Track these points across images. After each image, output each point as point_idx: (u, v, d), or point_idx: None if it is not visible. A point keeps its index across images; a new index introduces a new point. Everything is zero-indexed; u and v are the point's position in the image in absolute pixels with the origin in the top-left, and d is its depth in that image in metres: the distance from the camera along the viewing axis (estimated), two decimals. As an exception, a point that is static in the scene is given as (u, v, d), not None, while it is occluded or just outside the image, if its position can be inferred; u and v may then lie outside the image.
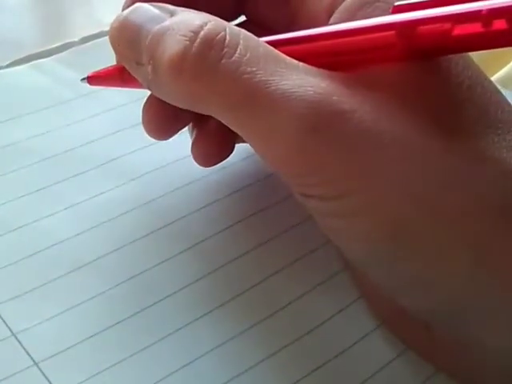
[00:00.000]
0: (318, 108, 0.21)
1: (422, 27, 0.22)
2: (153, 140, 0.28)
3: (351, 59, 0.23)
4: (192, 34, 0.22)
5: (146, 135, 0.28)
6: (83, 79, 0.27)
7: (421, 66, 0.23)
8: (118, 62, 0.27)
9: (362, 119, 0.21)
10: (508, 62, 0.42)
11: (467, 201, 0.21)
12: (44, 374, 0.23)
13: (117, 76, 0.27)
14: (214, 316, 0.26)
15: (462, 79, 0.23)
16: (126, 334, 0.25)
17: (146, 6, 0.24)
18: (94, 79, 0.27)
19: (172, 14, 0.24)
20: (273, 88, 0.22)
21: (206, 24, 0.23)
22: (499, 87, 0.35)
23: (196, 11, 0.24)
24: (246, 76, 0.22)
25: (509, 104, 0.24)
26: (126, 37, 0.24)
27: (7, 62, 0.34)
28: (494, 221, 0.21)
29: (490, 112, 0.23)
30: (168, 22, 0.23)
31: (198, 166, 0.29)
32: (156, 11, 0.24)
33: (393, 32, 0.22)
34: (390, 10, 0.23)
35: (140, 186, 0.30)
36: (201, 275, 0.27)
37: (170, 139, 0.28)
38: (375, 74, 0.23)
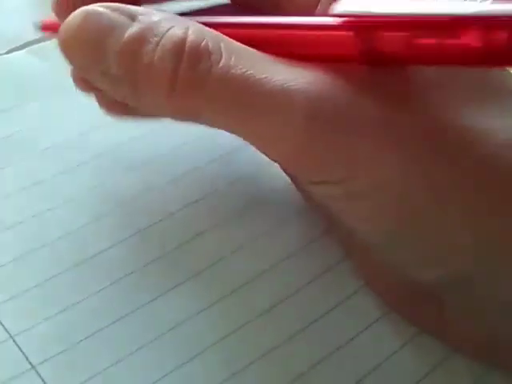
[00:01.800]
0: (317, 97, 0.21)
1: (383, 33, 0.21)
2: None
3: (308, 54, 0.23)
4: (177, 47, 0.22)
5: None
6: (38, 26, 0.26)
7: None
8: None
9: (358, 105, 0.21)
10: None
11: (471, 178, 0.21)
12: (41, 377, 0.23)
13: None
14: (213, 311, 0.26)
15: None
16: (124, 335, 0.25)
17: (100, 9, 0.23)
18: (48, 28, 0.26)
19: (131, 17, 0.23)
20: (268, 86, 0.21)
21: (187, 33, 0.22)
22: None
23: (162, 12, 0.23)
24: (238, 79, 0.22)
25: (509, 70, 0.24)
26: (86, 45, 0.23)
27: (5, 50, 0.34)
28: (501, 195, 0.21)
29: (489, 79, 0.23)
30: (138, 28, 0.22)
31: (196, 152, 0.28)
32: (115, 15, 0.23)
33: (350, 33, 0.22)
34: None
35: (140, 176, 0.30)
36: (196, 272, 0.27)
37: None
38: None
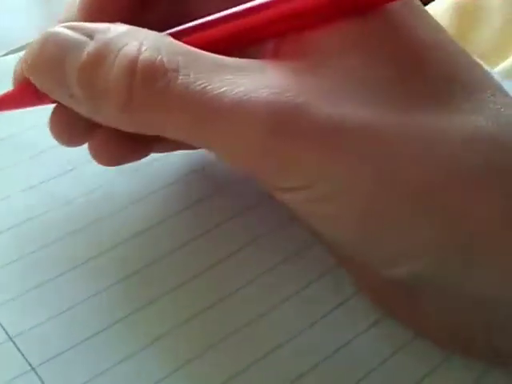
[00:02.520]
0: (275, 108, 0.21)
1: None
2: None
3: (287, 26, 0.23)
4: (130, 65, 0.22)
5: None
6: None
7: (365, 30, 0.23)
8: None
9: (319, 109, 0.21)
10: (508, 56, 0.42)
11: (431, 173, 0.22)
12: (40, 378, 0.23)
13: (30, 94, 0.25)
14: (209, 314, 0.26)
15: (418, 37, 0.23)
16: (124, 335, 0.25)
17: (61, 30, 0.23)
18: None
19: (90, 35, 0.23)
20: (228, 99, 0.21)
21: (140, 50, 0.22)
22: (502, 78, 0.34)
23: (115, 25, 0.23)
24: (197, 95, 0.22)
25: (473, 63, 0.24)
26: (47, 67, 0.24)
27: (4, 52, 0.34)
28: (463, 188, 0.22)
29: (452, 74, 0.23)
30: (93, 48, 0.23)
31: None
32: (73, 35, 0.23)
33: None
34: None
35: (137, 178, 0.30)
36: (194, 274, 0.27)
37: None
38: (319, 55, 0.23)
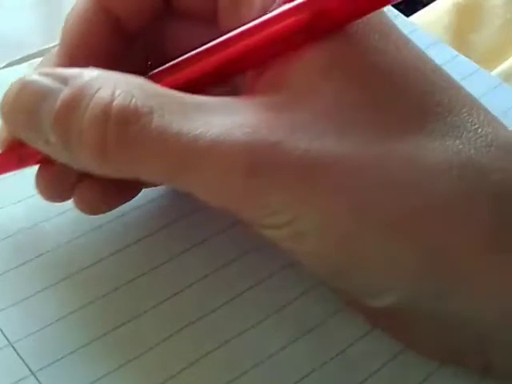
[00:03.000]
0: (250, 148, 0.21)
1: None
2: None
3: (263, 55, 0.23)
4: (104, 111, 0.22)
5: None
6: None
7: (335, 58, 0.23)
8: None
9: (294, 146, 0.21)
10: (508, 55, 0.42)
11: (408, 203, 0.22)
12: (40, 383, 0.24)
13: (12, 160, 0.26)
14: (214, 317, 0.26)
15: (388, 60, 0.23)
16: (123, 341, 0.25)
17: (35, 78, 0.23)
18: None
19: (64, 81, 0.23)
20: (202, 141, 0.21)
21: (113, 95, 0.22)
22: (501, 81, 0.34)
23: (88, 70, 0.23)
24: (172, 138, 0.22)
25: (447, 81, 0.24)
26: (23, 115, 0.23)
27: (4, 63, 0.34)
28: (440, 217, 0.22)
29: (426, 95, 0.23)
30: (67, 94, 0.22)
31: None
32: (48, 82, 0.23)
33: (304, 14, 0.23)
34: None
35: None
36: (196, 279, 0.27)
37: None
38: (293, 89, 0.23)
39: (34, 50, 0.36)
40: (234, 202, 0.22)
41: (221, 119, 0.22)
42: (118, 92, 0.22)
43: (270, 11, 0.24)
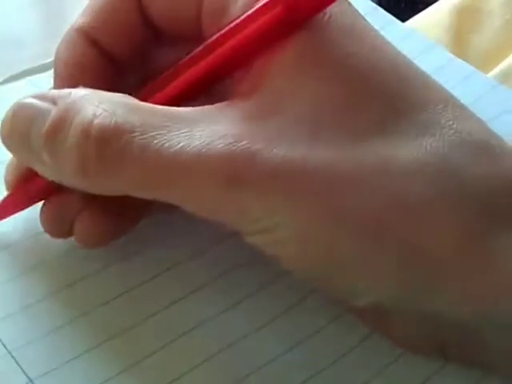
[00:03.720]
0: (230, 159, 0.22)
1: None
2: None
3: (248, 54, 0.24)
4: (84, 131, 0.23)
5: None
6: None
7: (309, 58, 0.23)
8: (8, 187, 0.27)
9: (272, 154, 0.22)
10: (508, 56, 0.42)
11: (381, 207, 0.22)
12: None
13: (21, 199, 0.27)
14: (215, 323, 0.27)
15: (360, 59, 0.24)
16: (120, 350, 0.25)
17: (28, 101, 0.24)
18: None
19: (53, 101, 0.24)
20: (185, 155, 0.22)
21: (95, 114, 0.23)
22: (500, 81, 0.34)
23: (77, 89, 0.24)
24: (154, 155, 0.22)
25: (421, 75, 0.25)
26: (18, 137, 0.25)
27: (1, 79, 0.35)
28: (412, 219, 0.22)
29: (399, 93, 0.24)
30: (54, 115, 0.23)
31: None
32: (39, 104, 0.24)
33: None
34: None
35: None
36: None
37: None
38: (271, 93, 0.23)
39: (34, 49, 0.36)
40: (218, 212, 0.23)
41: (202, 131, 0.22)
42: (99, 111, 0.23)
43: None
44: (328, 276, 0.24)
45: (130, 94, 0.25)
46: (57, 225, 0.27)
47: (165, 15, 0.27)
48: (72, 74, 0.27)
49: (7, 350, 0.25)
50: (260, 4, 0.24)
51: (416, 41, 0.39)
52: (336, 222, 0.22)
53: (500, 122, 0.34)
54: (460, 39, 0.45)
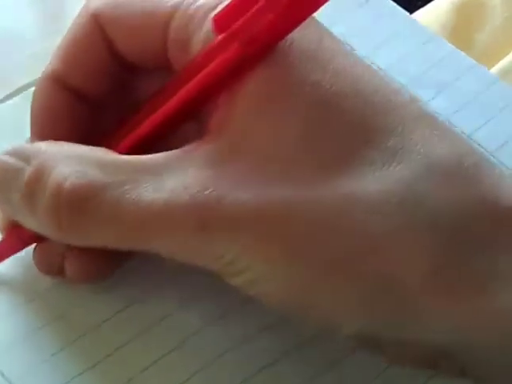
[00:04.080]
0: (197, 208, 0.22)
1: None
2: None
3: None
4: (56, 195, 0.23)
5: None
6: None
7: (270, 92, 0.23)
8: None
9: (235, 199, 0.22)
10: (507, 53, 0.42)
11: (344, 243, 0.22)
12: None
13: (15, 243, 0.27)
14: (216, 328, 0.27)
15: (323, 87, 0.23)
16: (115, 368, 0.26)
17: (4, 159, 0.25)
18: None
19: (27, 160, 0.24)
20: (153, 209, 0.23)
21: (65, 178, 0.23)
22: (499, 78, 0.33)
23: (47, 145, 0.25)
24: (126, 210, 0.23)
25: (394, 97, 0.24)
26: (1, 197, 0.25)
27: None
28: (381, 252, 0.22)
29: (368, 122, 0.23)
30: (28, 177, 0.24)
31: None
32: (13, 162, 0.25)
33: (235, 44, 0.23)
34: (212, 24, 0.24)
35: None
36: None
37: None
38: (234, 134, 0.23)
39: (33, 47, 0.36)
40: (194, 258, 0.24)
41: (169, 182, 0.23)
42: (70, 172, 0.23)
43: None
44: (305, 312, 0.24)
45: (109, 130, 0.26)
46: (48, 266, 0.27)
47: (132, 49, 0.27)
48: (47, 121, 0.27)
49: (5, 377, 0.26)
50: (217, 41, 0.24)
51: (418, 31, 0.38)
52: (297, 262, 0.22)
53: (503, 116, 0.34)
54: (458, 37, 0.45)
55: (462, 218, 0.22)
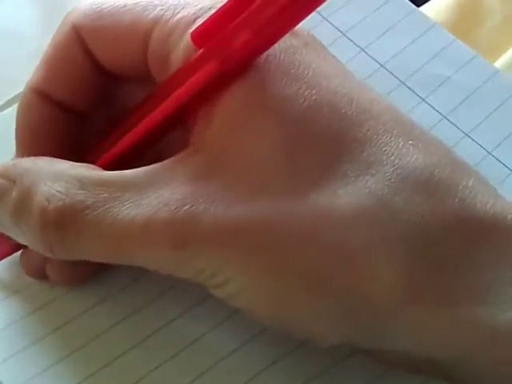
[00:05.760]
0: (176, 224, 0.23)
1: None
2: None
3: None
4: (42, 219, 0.24)
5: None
6: None
7: (248, 107, 0.23)
8: None
9: (214, 214, 0.22)
10: (506, 51, 0.42)
11: (321, 258, 0.22)
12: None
13: (5, 246, 0.28)
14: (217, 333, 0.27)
15: (296, 108, 0.23)
16: (114, 376, 0.26)
17: None
18: None
19: (12, 180, 0.25)
20: (136, 224, 0.23)
21: (48, 204, 0.23)
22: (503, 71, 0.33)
23: (35, 162, 0.25)
24: (109, 229, 0.23)
25: (369, 108, 0.24)
26: None
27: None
28: (355, 267, 0.22)
29: (342, 134, 0.23)
30: (14, 199, 0.24)
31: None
32: (1, 182, 0.25)
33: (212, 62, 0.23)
34: (191, 39, 0.24)
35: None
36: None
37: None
38: (212, 149, 0.23)
39: (33, 45, 0.36)
40: (177, 272, 0.24)
41: (149, 198, 0.23)
42: (53, 193, 0.24)
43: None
44: (286, 325, 0.24)
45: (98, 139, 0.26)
46: (33, 270, 0.28)
47: (113, 60, 0.27)
48: (31, 135, 0.27)
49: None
50: (195, 57, 0.24)
51: (418, 19, 0.37)
52: (278, 277, 0.22)
53: (504, 109, 0.34)
54: (458, 35, 0.45)
55: (434, 231, 0.22)
